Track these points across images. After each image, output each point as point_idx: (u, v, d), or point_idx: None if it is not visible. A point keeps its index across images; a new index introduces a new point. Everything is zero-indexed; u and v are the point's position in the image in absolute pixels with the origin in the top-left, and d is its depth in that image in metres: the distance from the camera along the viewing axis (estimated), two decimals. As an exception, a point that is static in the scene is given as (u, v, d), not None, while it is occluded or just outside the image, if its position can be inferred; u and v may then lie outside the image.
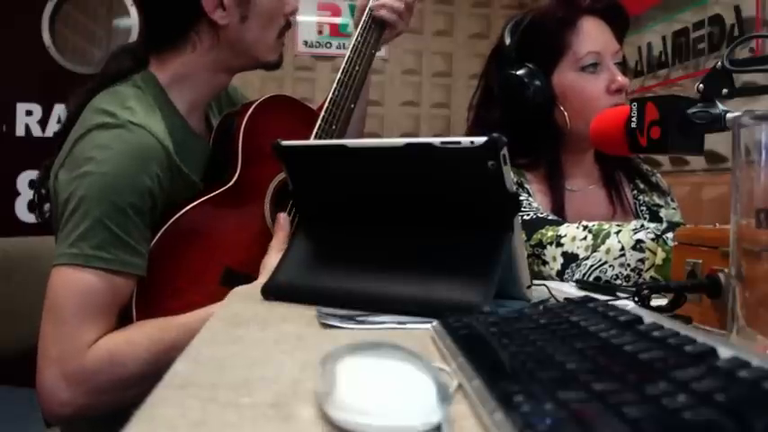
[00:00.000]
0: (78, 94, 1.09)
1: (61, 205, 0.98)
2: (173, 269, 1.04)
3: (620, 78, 1.17)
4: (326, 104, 1.19)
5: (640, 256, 0.92)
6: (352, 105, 1.21)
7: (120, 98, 1.03)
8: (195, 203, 1.06)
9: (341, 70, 1.21)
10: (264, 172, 1.14)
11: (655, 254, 0.91)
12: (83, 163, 0.97)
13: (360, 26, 1.25)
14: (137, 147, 0.98)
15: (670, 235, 0.91)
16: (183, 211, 1.05)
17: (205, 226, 1.07)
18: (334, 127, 1.18)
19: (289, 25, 1.17)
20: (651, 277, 0.92)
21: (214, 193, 1.09)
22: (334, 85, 1.21)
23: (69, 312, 0.94)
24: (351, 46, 1.24)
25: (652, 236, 0.93)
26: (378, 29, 1.26)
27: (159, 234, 1.02)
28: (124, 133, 0.98)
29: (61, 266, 0.95)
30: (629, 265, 0.93)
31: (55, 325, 0.95)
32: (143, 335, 0.97)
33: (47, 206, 1.09)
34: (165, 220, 1.03)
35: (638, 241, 0.93)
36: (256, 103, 1.16)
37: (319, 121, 1.18)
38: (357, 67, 1.22)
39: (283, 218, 1.10)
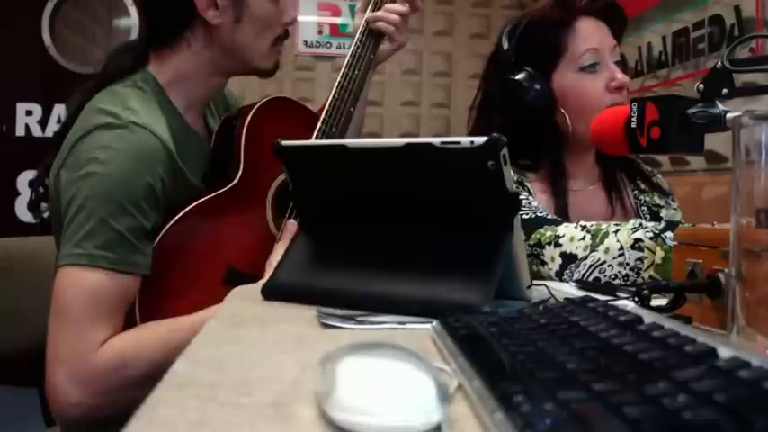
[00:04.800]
0: (79, 93, 1.09)
1: (64, 206, 0.98)
2: (176, 268, 1.04)
3: (620, 76, 1.17)
4: (327, 107, 1.20)
5: (639, 255, 0.92)
6: (352, 109, 1.22)
7: (121, 98, 1.03)
8: (197, 203, 1.06)
9: (341, 74, 1.22)
10: (266, 173, 1.15)
11: (654, 253, 0.91)
12: (86, 163, 0.97)
13: (358, 35, 1.27)
14: (140, 147, 0.98)
15: (669, 234, 0.91)
16: (186, 210, 1.05)
17: (207, 225, 1.07)
18: (334, 129, 1.19)
19: (287, 35, 1.17)
20: (650, 276, 0.92)
21: (216, 193, 1.09)
22: (335, 88, 1.21)
23: (77, 313, 0.94)
24: (350, 52, 1.25)
25: (650, 234, 0.93)
26: (375, 39, 1.27)
27: (162, 233, 1.02)
28: (127, 134, 0.98)
29: (66, 267, 0.95)
30: (627, 264, 0.93)
31: (63, 326, 0.95)
32: (153, 336, 0.97)
33: (44, 205, 1.09)
34: (167, 220, 1.03)
35: (637, 240, 0.93)
36: (258, 105, 1.17)
37: (320, 124, 1.19)
38: (357, 71, 1.23)
39: (291, 224, 1.11)
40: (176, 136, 1.05)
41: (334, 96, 1.21)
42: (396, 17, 1.26)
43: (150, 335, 0.98)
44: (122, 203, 0.96)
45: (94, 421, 0.99)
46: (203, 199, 1.07)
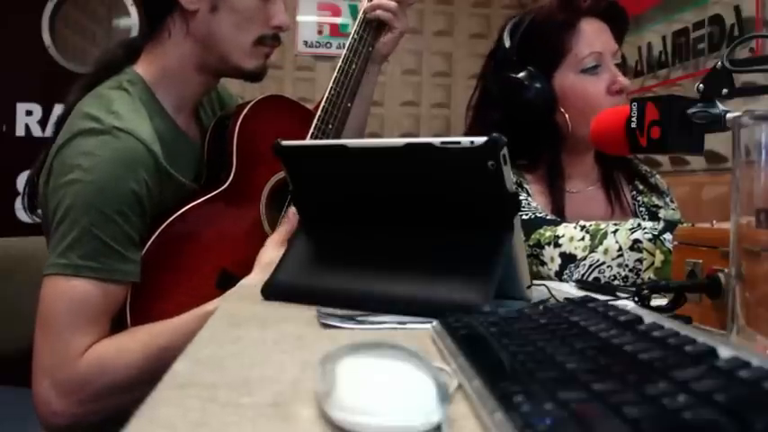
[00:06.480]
0: (74, 91, 1.08)
1: (51, 212, 0.98)
2: (168, 272, 1.03)
3: (622, 79, 1.18)
4: (323, 103, 1.19)
5: (638, 256, 0.92)
6: (349, 104, 1.21)
7: (105, 102, 1.02)
8: (190, 206, 1.05)
9: (337, 69, 1.21)
10: (260, 173, 1.14)
11: (653, 255, 0.91)
12: (69, 170, 0.97)
13: (355, 28, 1.26)
14: (123, 153, 0.97)
15: (668, 236, 0.91)
16: (178, 213, 1.04)
17: (200, 228, 1.06)
18: (330, 126, 1.18)
19: (276, 39, 1.14)
20: (650, 278, 0.92)
21: (209, 195, 1.08)
22: (331, 83, 1.20)
23: (61, 323, 0.94)
24: (347, 45, 1.24)
25: (649, 236, 0.93)
26: (373, 29, 1.26)
27: (154, 237, 1.01)
28: (110, 140, 0.97)
29: (51, 276, 0.95)
30: (626, 265, 0.93)
31: (47, 336, 0.95)
32: (135, 341, 0.97)
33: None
34: (157, 224, 1.02)
35: (636, 241, 0.93)
36: (250, 104, 1.15)
37: (315, 121, 1.18)
38: (354, 66, 1.22)
39: (292, 213, 1.08)
40: (163, 138, 1.04)
41: (330, 92, 1.20)
42: (393, 3, 1.25)
43: (133, 340, 0.98)
44: (106, 211, 0.95)
45: (80, 429, 0.99)
46: (195, 202, 1.06)
